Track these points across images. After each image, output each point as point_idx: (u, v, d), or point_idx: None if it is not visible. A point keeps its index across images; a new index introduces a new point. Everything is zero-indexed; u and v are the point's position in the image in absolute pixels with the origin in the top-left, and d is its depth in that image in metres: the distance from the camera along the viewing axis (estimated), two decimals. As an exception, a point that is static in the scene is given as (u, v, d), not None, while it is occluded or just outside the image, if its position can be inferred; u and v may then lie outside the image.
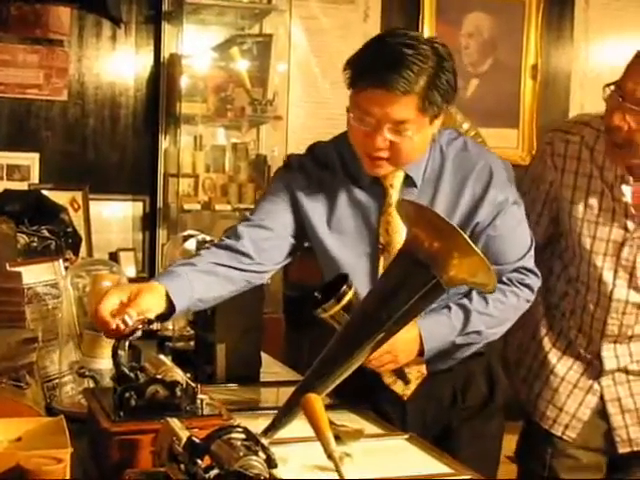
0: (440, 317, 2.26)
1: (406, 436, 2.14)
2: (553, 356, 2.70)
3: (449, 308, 2.27)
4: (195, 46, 5.07)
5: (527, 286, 2.35)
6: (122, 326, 1.93)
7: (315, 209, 2.33)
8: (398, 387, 2.33)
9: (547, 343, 2.72)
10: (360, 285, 2.18)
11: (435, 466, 1.97)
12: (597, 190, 2.55)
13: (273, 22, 5.21)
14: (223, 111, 5.08)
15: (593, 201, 2.55)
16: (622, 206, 2.52)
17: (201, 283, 2.14)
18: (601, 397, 2.65)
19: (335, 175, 2.33)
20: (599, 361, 2.63)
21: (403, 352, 2.20)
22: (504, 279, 2.28)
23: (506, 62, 5.91)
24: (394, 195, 2.27)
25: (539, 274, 2.39)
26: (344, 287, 2.05)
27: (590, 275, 2.59)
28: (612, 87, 2.38)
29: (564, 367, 2.68)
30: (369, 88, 2.10)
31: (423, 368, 2.32)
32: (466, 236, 1.54)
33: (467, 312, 2.27)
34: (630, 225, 2.53)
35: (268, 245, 2.28)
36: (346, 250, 2.31)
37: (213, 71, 5.15)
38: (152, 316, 2.01)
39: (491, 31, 5.86)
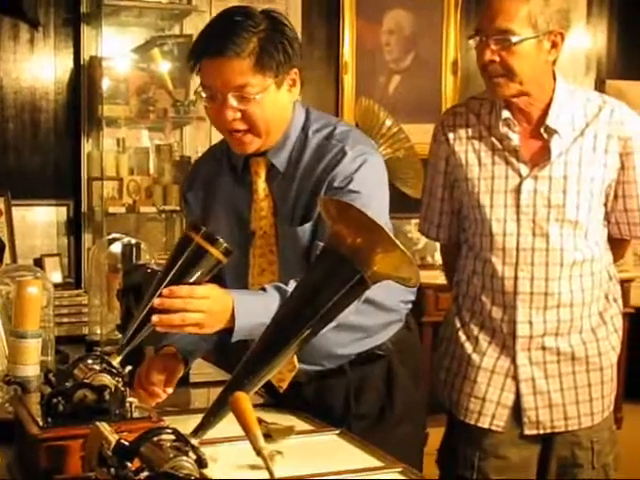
0: (255, 295, 2.09)
1: (337, 431, 2.16)
2: (468, 347, 2.69)
3: (264, 289, 2.08)
4: (115, 48, 5.03)
5: None
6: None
7: (200, 211, 2.38)
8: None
9: (461, 336, 2.71)
10: (233, 276, 2.23)
11: (366, 460, 2.00)
12: (488, 147, 2.65)
13: (193, 22, 5.19)
14: (145, 113, 5.06)
15: (486, 158, 2.64)
16: (513, 153, 2.61)
17: None
18: (516, 378, 2.63)
19: (221, 169, 2.37)
20: (513, 336, 2.62)
21: (214, 318, 1.96)
22: None
23: (427, 58, 5.96)
24: (259, 182, 2.30)
25: None
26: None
27: (494, 233, 2.61)
28: (475, 38, 2.55)
29: (479, 355, 2.67)
30: (204, 61, 2.15)
31: (295, 360, 2.29)
32: (388, 231, 1.55)
33: (283, 293, 2.05)
34: (523, 169, 2.60)
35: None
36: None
37: (134, 73, 5.12)
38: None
39: (411, 28, 5.91)
